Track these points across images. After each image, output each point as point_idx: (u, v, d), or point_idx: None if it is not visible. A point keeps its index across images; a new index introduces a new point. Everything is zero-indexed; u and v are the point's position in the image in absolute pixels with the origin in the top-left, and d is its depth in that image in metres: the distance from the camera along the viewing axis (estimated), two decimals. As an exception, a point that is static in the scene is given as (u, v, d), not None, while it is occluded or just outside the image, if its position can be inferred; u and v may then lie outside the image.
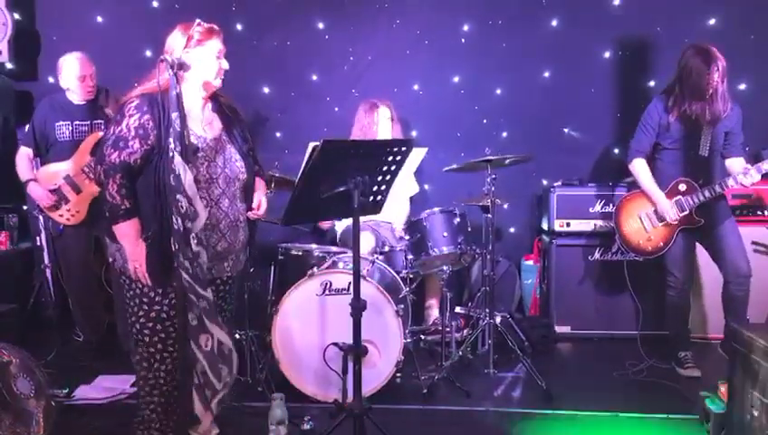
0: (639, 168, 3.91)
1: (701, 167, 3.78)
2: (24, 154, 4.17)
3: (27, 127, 4.26)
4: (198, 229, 2.43)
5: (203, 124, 2.62)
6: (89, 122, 4.12)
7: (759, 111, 4.55)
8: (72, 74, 4.09)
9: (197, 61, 2.54)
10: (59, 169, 4.06)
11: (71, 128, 4.09)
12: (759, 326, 3.43)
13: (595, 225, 4.61)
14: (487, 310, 3.95)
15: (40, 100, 5.13)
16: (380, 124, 4.43)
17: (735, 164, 3.80)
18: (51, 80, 5.15)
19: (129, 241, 2.47)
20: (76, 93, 4.13)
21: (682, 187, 3.80)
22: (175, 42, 2.54)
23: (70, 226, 4.10)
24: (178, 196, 2.30)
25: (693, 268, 3.94)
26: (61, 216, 4.08)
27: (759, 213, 4.39)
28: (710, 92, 3.67)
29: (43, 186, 4.06)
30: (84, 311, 4.28)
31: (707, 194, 3.71)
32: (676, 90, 3.78)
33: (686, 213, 3.78)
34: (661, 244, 3.86)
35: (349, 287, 3.37)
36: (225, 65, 2.62)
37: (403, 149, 2.69)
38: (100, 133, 3.99)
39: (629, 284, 4.12)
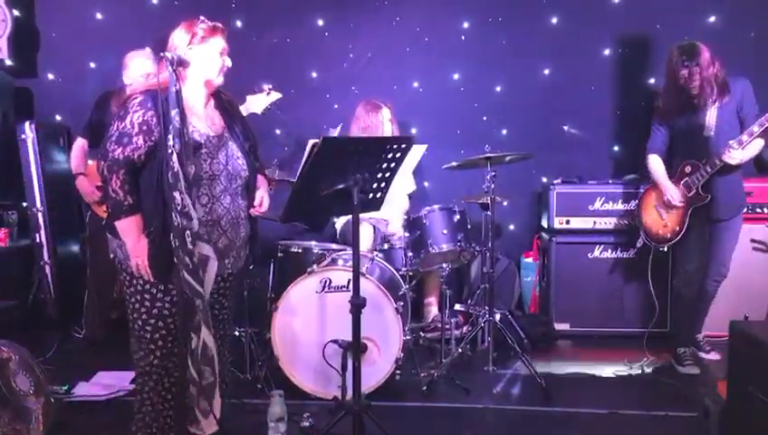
0: (652, 163, 4.00)
1: (706, 147, 3.79)
2: (79, 145, 4.22)
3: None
4: (195, 227, 2.43)
5: (206, 122, 2.62)
6: None
7: (759, 107, 4.54)
8: (138, 71, 4.07)
9: (200, 58, 2.54)
10: None
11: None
12: (758, 323, 3.43)
13: (595, 222, 4.61)
14: (487, 307, 3.95)
15: (39, 96, 5.17)
16: (384, 125, 4.42)
17: None
18: (50, 76, 5.17)
19: (132, 237, 2.46)
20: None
21: (688, 169, 3.84)
22: (178, 39, 2.54)
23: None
24: (175, 193, 2.30)
25: (703, 261, 3.93)
26: (105, 211, 4.08)
27: (758, 211, 4.39)
28: (687, 86, 3.71)
29: (92, 180, 4.10)
30: (100, 307, 4.29)
31: (708, 169, 3.74)
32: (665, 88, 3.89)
33: (693, 192, 3.80)
34: (677, 228, 3.89)
35: (348, 284, 3.38)
36: (228, 63, 2.62)
37: (403, 146, 2.69)
38: None
39: (635, 281, 4.13)
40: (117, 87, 4.22)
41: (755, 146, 3.69)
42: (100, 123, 4.13)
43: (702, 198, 3.80)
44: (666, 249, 4.01)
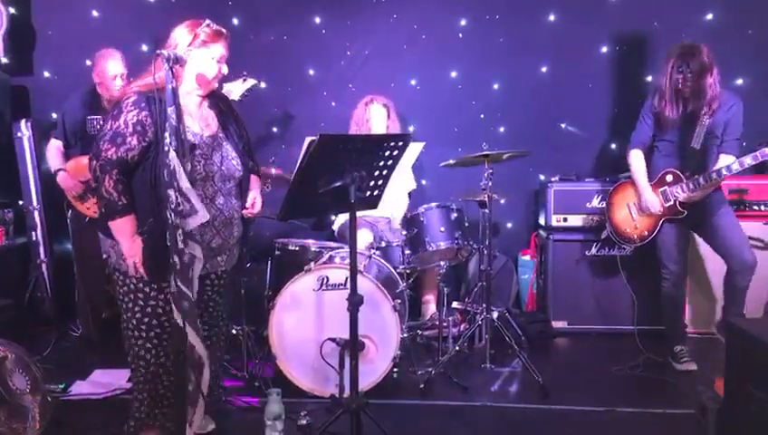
0: (633, 159, 3.96)
1: (692, 159, 3.77)
2: (54, 146, 4.21)
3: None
4: (194, 226, 2.43)
5: (200, 122, 2.61)
6: None
7: (757, 106, 4.54)
8: (106, 71, 4.12)
9: (198, 61, 2.53)
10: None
11: (102, 123, 4.09)
12: (756, 320, 3.44)
13: (592, 220, 4.61)
14: (484, 305, 3.95)
15: (35, 95, 5.15)
16: (373, 119, 4.46)
17: (724, 161, 3.76)
18: (46, 74, 5.15)
19: (126, 237, 2.46)
20: (106, 89, 4.14)
21: (669, 178, 3.83)
22: (180, 37, 2.53)
23: (95, 219, 4.10)
24: (170, 191, 2.29)
25: (687, 260, 3.94)
26: (88, 208, 4.10)
27: (755, 208, 4.39)
28: (680, 90, 3.68)
29: (72, 175, 4.09)
30: (92, 303, 4.29)
31: (691, 186, 3.72)
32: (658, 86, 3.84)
33: (670, 203, 3.80)
34: (646, 233, 3.91)
35: (346, 282, 3.37)
36: (225, 70, 2.62)
37: (400, 143, 2.69)
38: None
39: (626, 278, 4.17)
40: (84, 86, 4.25)
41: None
42: (73, 124, 4.15)
43: (678, 212, 3.79)
44: (630, 248, 4.05)
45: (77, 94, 4.24)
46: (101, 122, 4.07)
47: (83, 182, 4.05)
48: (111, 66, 4.12)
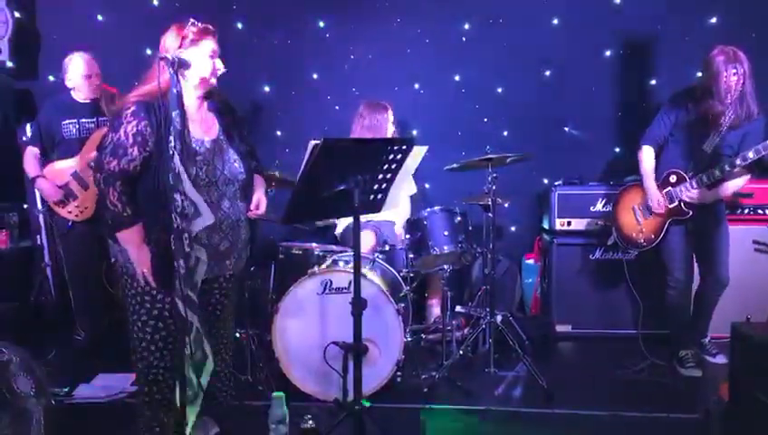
0: (643, 155, 3.97)
1: (701, 162, 3.77)
2: (30, 153, 4.21)
3: (29, 127, 4.31)
4: (199, 229, 2.43)
5: (201, 126, 2.61)
6: (95, 120, 4.18)
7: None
8: (78, 73, 4.14)
9: (192, 61, 2.53)
10: (66, 166, 4.10)
11: (77, 126, 4.14)
12: (760, 325, 3.42)
13: (596, 223, 4.61)
14: (488, 309, 3.94)
15: (40, 98, 5.17)
16: (389, 126, 4.43)
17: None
18: (51, 78, 5.16)
19: (134, 247, 2.47)
20: (81, 92, 4.18)
21: (672, 178, 3.84)
22: (170, 42, 2.53)
23: (78, 222, 4.11)
24: (176, 195, 2.29)
25: (692, 267, 3.94)
26: (69, 212, 4.10)
27: (759, 211, 4.38)
28: (728, 94, 3.62)
29: (51, 180, 4.10)
30: (87, 308, 4.29)
31: (695, 184, 3.72)
32: (699, 87, 3.78)
33: (674, 204, 3.80)
34: (652, 236, 3.91)
35: (349, 286, 3.37)
36: (220, 65, 2.60)
37: (403, 147, 2.69)
38: (105, 129, 4.03)
39: (630, 282, 4.16)
40: (58, 93, 4.30)
41: (734, 183, 3.74)
42: (48, 129, 4.16)
43: (683, 212, 3.79)
44: (635, 253, 4.07)
45: (50, 101, 4.27)
46: (77, 125, 4.12)
47: (61, 187, 4.07)
48: (82, 67, 4.13)
